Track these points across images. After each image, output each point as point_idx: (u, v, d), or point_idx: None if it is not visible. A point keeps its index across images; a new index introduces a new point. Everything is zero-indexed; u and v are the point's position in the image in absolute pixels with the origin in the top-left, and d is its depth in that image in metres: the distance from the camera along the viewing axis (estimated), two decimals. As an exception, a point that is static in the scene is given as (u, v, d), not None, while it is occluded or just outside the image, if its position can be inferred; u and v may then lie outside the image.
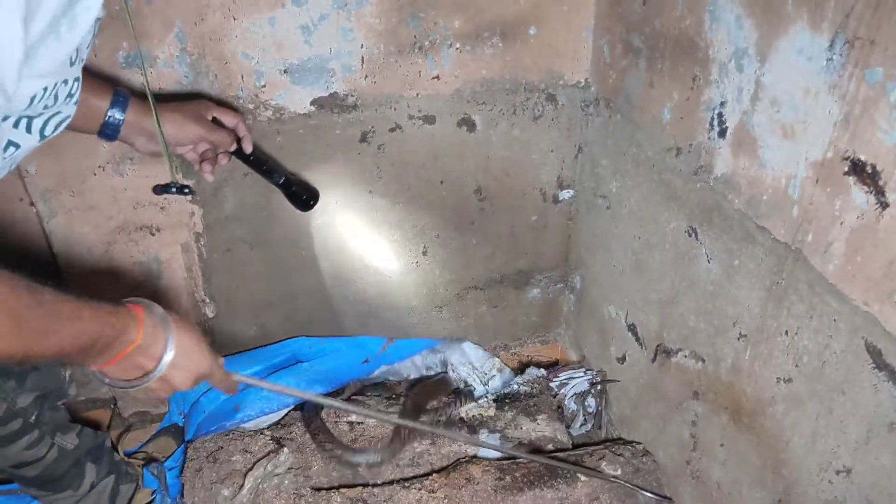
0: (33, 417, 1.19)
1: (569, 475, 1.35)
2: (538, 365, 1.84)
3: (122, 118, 0.99)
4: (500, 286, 1.72)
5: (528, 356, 1.88)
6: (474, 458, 1.42)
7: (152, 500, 1.48)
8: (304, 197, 1.28)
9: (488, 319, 1.78)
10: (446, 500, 1.31)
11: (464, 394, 1.65)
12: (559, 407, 1.65)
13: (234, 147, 1.15)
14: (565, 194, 1.60)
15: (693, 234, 1.11)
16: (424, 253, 1.59)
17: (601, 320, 1.58)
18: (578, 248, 1.65)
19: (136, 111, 1.00)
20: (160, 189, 1.17)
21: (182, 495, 1.44)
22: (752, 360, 1.00)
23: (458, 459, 1.44)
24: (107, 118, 0.99)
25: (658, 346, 1.31)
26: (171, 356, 0.78)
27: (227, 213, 1.39)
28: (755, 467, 1.01)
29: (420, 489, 1.34)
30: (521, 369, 1.85)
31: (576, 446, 1.53)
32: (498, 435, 1.55)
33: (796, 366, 0.90)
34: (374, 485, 1.38)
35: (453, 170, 1.48)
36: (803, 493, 0.92)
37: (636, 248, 1.33)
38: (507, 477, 1.36)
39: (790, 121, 0.85)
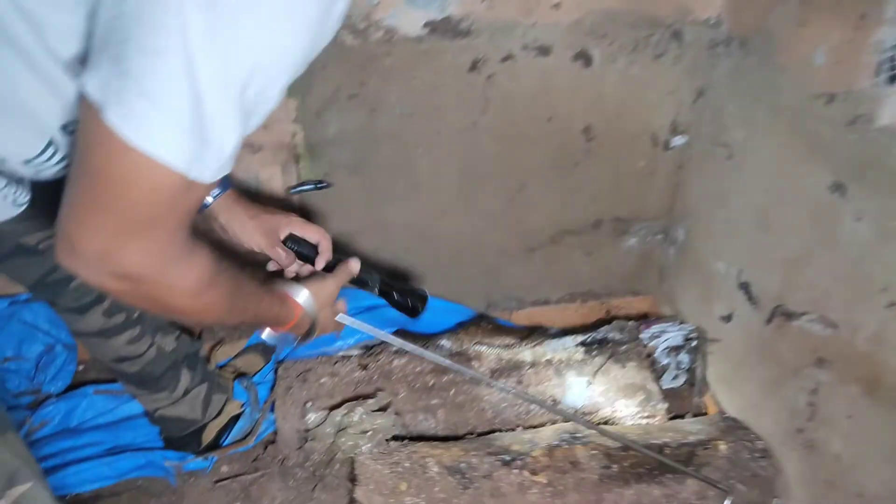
0: (136, 314, 1.23)
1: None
2: (628, 317, 1.80)
3: (210, 202, 1.11)
4: (596, 233, 1.66)
5: (618, 307, 1.83)
6: (576, 437, 1.36)
7: (242, 412, 1.53)
8: (409, 304, 1.21)
9: (580, 266, 1.73)
10: (550, 488, 1.24)
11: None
12: (649, 356, 1.61)
13: (297, 267, 1.18)
14: (678, 141, 1.50)
15: (839, 191, 1.02)
16: (521, 191, 1.54)
17: (706, 276, 1.51)
18: (686, 199, 1.57)
19: (226, 200, 1.12)
20: (295, 189, 1.31)
21: (272, 410, 1.49)
22: (898, 331, 0.92)
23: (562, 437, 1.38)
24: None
25: (777, 307, 1.23)
26: (314, 329, 1.03)
27: (329, 136, 1.37)
28: (888, 445, 0.95)
29: (522, 468, 1.27)
30: (609, 319, 1.81)
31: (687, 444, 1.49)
32: (586, 379, 1.53)
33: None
34: (473, 453, 1.33)
35: (563, 107, 1.40)
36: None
37: (761, 202, 1.24)
38: (614, 466, 1.28)
39: None
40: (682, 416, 1.55)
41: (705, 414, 1.54)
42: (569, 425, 1.40)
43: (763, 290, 1.28)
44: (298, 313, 0.98)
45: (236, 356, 1.65)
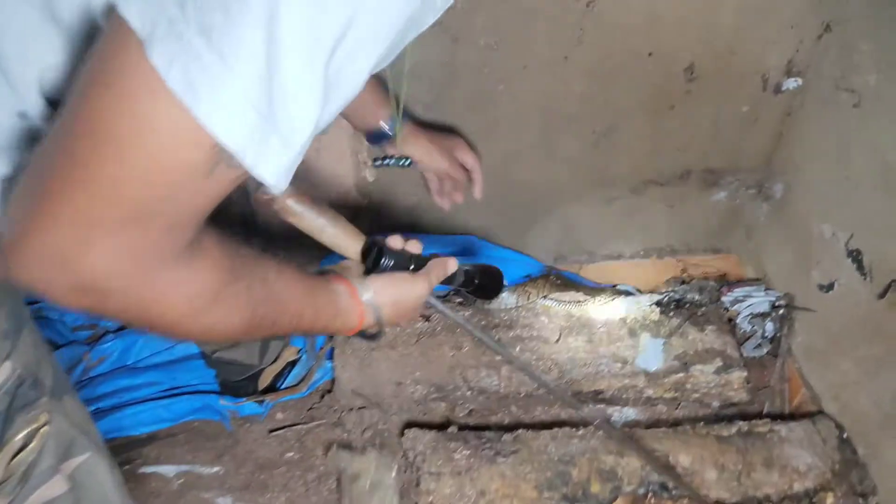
0: None
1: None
2: (707, 276, 1.69)
3: (391, 133, 1.12)
4: (683, 184, 1.54)
5: (696, 264, 1.72)
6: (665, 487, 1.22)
7: (298, 359, 1.50)
8: (489, 288, 1.05)
9: (661, 220, 1.62)
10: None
11: None
12: (731, 321, 1.52)
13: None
14: (791, 83, 1.36)
15: None
16: (607, 135, 1.42)
17: (805, 238, 1.39)
18: (791, 150, 1.43)
19: (406, 133, 1.14)
20: (378, 162, 1.22)
21: (332, 358, 1.45)
22: None
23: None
24: (380, 129, 1.13)
25: (894, 281, 1.12)
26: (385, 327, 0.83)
27: (404, 69, 1.26)
28: None
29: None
30: (687, 278, 1.71)
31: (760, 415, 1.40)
32: (662, 341, 1.45)
33: None
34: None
35: (667, 40, 1.26)
36: None
37: (894, 159, 1.11)
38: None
39: None
40: (761, 388, 1.48)
41: (787, 380, 1.45)
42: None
43: (879, 260, 1.17)
44: (361, 323, 0.77)
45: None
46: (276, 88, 0.42)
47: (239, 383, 1.42)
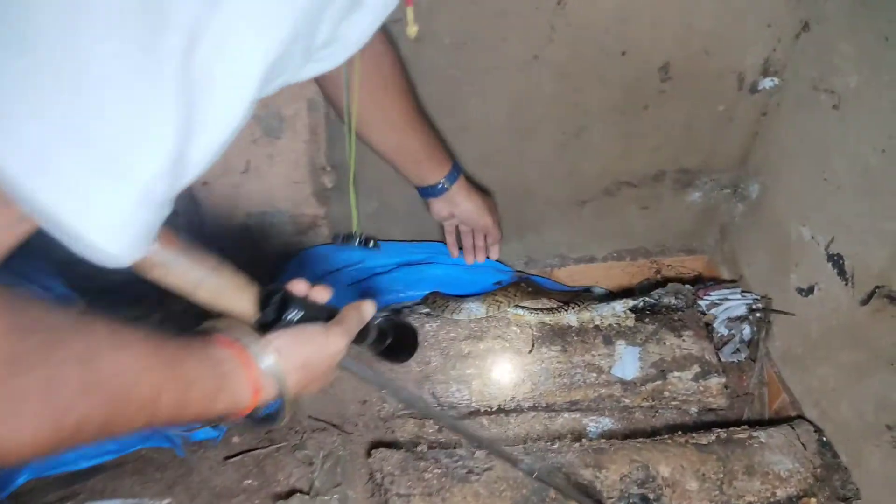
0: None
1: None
2: (682, 279, 1.67)
3: (447, 188, 1.19)
4: (657, 185, 1.51)
5: (669, 265, 1.70)
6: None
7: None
8: (402, 348, 0.91)
9: (634, 221, 1.58)
10: None
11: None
12: (708, 326, 1.49)
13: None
14: (767, 83, 1.33)
15: None
16: (579, 136, 1.38)
17: (783, 241, 1.37)
18: (767, 151, 1.40)
19: (458, 188, 1.21)
20: (343, 240, 1.19)
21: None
22: None
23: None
24: (438, 184, 1.19)
25: (878, 287, 1.10)
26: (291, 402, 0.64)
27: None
28: None
29: None
30: (662, 281, 1.69)
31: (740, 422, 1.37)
32: (638, 349, 1.41)
33: None
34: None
35: (641, 39, 1.22)
36: None
37: (876, 162, 1.09)
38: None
39: None
40: (741, 394, 1.46)
41: (766, 385, 1.44)
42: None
43: (862, 265, 1.15)
44: (258, 398, 0.59)
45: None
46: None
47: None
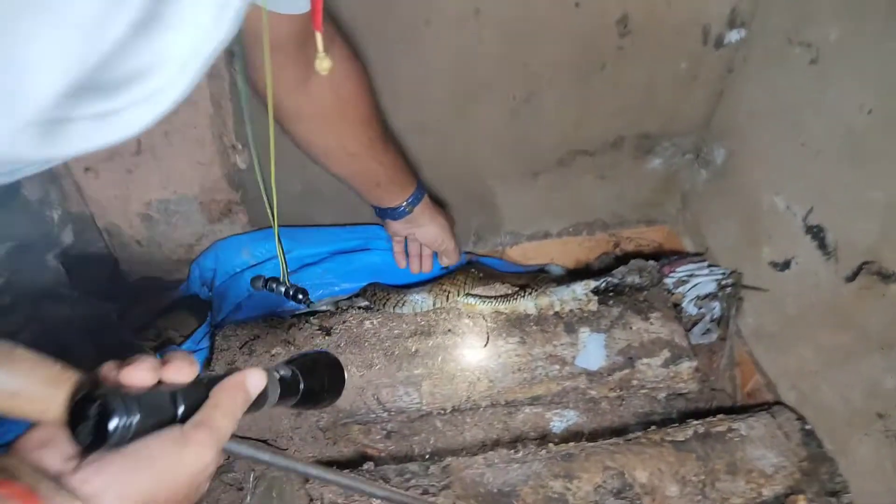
0: (4, 277, 0.92)
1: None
2: (643, 254, 1.57)
3: (409, 211, 1.10)
4: (615, 152, 1.38)
5: (628, 237, 1.59)
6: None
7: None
8: (324, 388, 0.67)
9: (590, 192, 1.46)
10: None
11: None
12: (676, 305, 1.39)
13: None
14: (734, 35, 1.21)
15: None
16: (529, 101, 1.23)
17: (753, 210, 1.27)
18: (734, 112, 1.29)
19: (421, 209, 1.12)
20: (264, 284, 0.95)
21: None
22: None
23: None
24: (399, 207, 1.10)
25: (866, 263, 1.01)
26: None
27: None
28: None
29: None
30: (622, 256, 1.58)
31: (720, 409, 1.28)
32: (603, 336, 1.30)
33: None
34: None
35: (597, -13, 1.08)
36: None
37: (861, 124, 0.98)
38: None
39: None
40: (711, 377, 1.37)
41: (737, 366, 1.35)
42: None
43: (846, 239, 1.05)
44: None
45: (160, 314, 1.35)
46: None
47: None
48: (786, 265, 1.20)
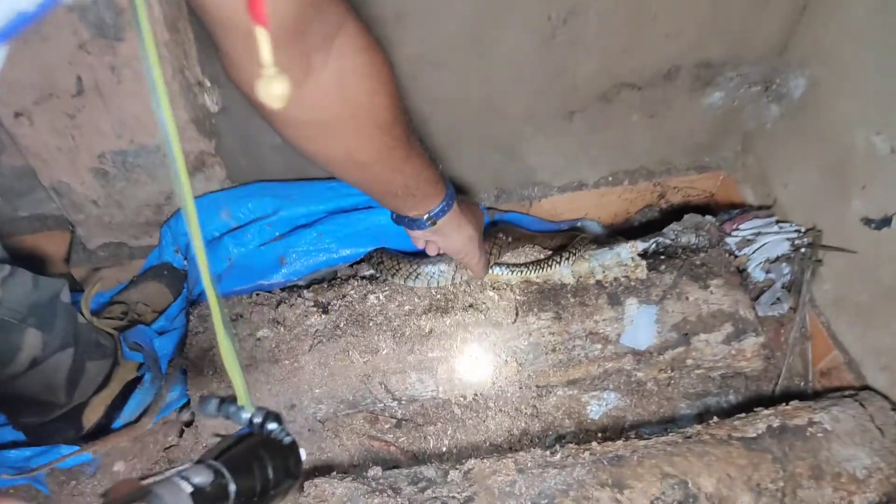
0: None
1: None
2: (692, 206, 1.36)
3: (433, 223, 0.91)
4: (668, 84, 1.16)
5: (675, 188, 1.38)
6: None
7: (140, 376, 1.09)
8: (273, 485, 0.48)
9: (634, 134, 1.25)
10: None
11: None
12: (740, 270, 1.20)
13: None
14: (828, -70, 0.97)
15: None
16: (568, 22, 1.01)
17: (842, 153, 1.06)
18: (818, 32, 1.07)
19: (447, 220, 0.91)
20: (218, 407, 0.56)
21: (184, 373, 1.05)
22: None
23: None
24: (420, 219, 0.90)
25: None
26: None
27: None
28: None
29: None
30: (668, 209, 1.38)
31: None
32: (654, 309, 1.11)
33: None
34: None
35: None
36: None
37: None
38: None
39: None
40: (775, 354, 1.18)
41: (809, 339, 1.16)
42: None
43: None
44: None
45: (127, 286, 1.16)
46: None
47: (49, 427, 1.01)
48: (885, 222, 1.00)
